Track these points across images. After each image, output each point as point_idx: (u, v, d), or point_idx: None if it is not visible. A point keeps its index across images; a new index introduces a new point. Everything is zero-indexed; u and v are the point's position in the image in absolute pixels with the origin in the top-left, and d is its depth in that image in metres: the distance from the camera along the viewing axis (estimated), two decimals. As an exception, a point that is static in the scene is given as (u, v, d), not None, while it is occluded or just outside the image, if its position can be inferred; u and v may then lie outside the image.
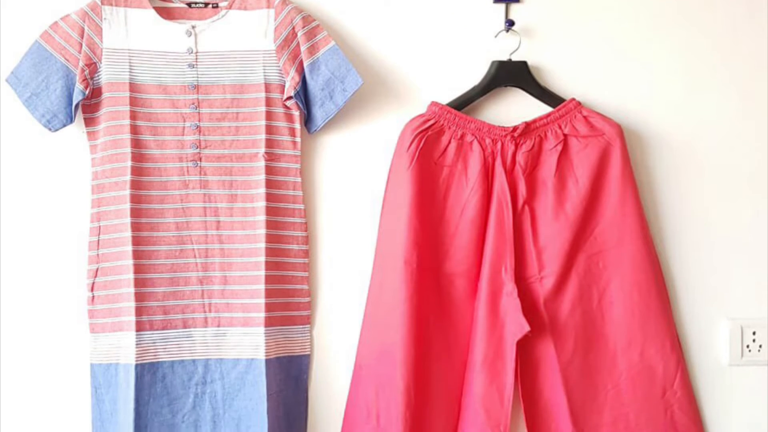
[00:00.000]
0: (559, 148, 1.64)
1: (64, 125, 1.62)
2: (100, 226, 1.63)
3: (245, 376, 1.63)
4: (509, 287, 1.61)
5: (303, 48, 1.62)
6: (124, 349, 1.62)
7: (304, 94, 1.63)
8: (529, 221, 1.64)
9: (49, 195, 1.67)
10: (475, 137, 1.64)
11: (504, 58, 1.66)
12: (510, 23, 1.66)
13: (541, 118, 1.65)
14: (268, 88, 1.64)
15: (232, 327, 1.64)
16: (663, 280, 1.67)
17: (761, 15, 1.70)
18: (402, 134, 1.64)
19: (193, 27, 1.64)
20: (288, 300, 1.66)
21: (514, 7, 1.68)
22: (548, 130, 1.65)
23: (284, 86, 1.63)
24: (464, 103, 1.66)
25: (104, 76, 1.62)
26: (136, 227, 1.61)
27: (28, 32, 1.61)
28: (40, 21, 1.61)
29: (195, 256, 1.63)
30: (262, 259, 1.62)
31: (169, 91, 1.63)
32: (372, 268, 1.66)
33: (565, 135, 1.64)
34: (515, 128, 1.64)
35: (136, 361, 1.60)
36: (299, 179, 1.66)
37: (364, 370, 1.65)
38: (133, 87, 1.62)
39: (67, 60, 1.61)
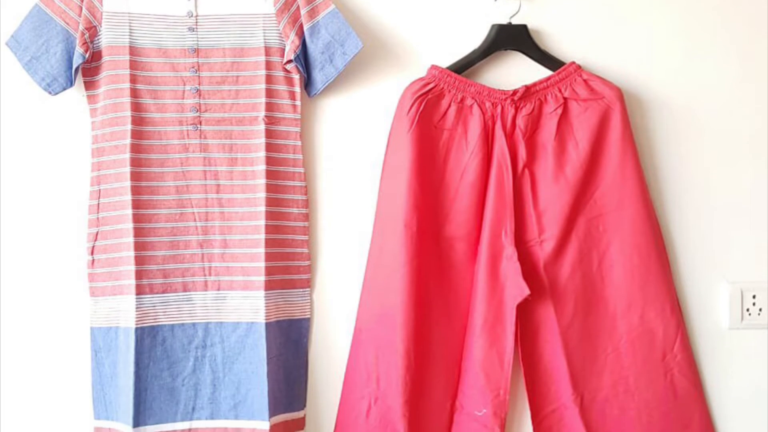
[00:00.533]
0: (559, 111, 1.64)
1: (64, 89, 1.62)
2: (100, 190, 1.63)
3: (245, 339, 1.63)
4: (509, 251, 1.61)
5: (303, 11, 1.62)
6: (124, 312, 1.62)
7: (304, 58, 1.63)
8: (529, 185, 1.64)
9: (49, 159, 1.67)
10: (475, 101, 1.64)
11: (504, 21, 1.66)
12: (510, -14, 1.66)
13: (541, 82, 1.64)
14: (268, 51, 1.64)
15: (232, 290, 1.63)
16: (663, 244, 1.67)
17: (762, -22, 1.70)
18: (402, 98, 1.64)
19: (193, -10, 1.64)
20: (288, 263, 1.66)
21: (514, -29, 1.68)
22: (548, 93, 1.65)
23: (284, 50, 1.63)
24: (464, 66, 1.65)
25: (104, 39, 1.62)
26: (136, 191, 1.61)
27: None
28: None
29: (195, 220, 1.63)
30: (262, 222, 1.62)
31: (169, 54, 1.63)
32: (372, 232, 1.66)
33: (565, 98, 1.64)
34: (515, 92, 1.63)
35: (136, 324, 1.60)
36: (299, 143, 1.65)
37: (364, 334, 1.65)
38: (133, 51, 1.62)
39: (67, 23, 1.60)
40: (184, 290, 1.63)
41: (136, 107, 1.61)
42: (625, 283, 1.64)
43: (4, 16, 1.65)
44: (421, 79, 1.64)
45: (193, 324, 1.64)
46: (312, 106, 1.68)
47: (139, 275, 1.60)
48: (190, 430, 1.63)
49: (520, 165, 1.64)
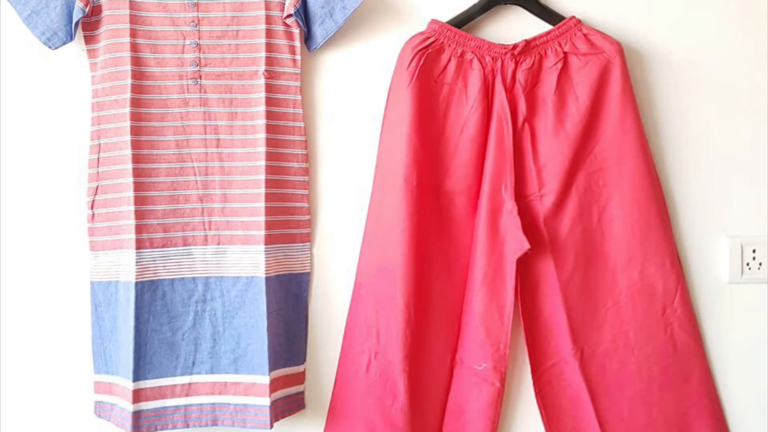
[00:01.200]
0: (559, 66, 1.63)
1: (64, 43, 1.61)
2: (100, 144, 1.63)
3: (245, 294, 1.63)
4: (509, 205, 1.61)
5: (303, -36, 1.63)
6: (124, 266, 1.62)
7: (304, 12, 1.63)
8: (529, 139, 1.64)
9: (49, 114, 1.67)
10: (475, 55, 1.64)
11: (504, -25, 1.66)
12: (510, -60, 1.66)
13: (540, 36, 1.64)
14: (267, 5, 1.63)
15: (232, 245, 1.63)
16: (663, 198, 1.67)
17: (762, -70, 1.70)
18: (402, 52, 1.63)
19: (193, -56, 1.64)
20: (288, 218, 1.66)
21: (515, -77, 1.68)
22: (548, 48, 1.64)
23: (284, 4, 1.63)
24: (464, 21, 1.65)
25: (104, -7, 1.62)
26: (135, 145, 1.60)
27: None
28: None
29: (195, 174, 1.63)
30: (262, 177, 1.62)
31: (169, 8, 1.63)
32: (372, 186, 1.66)
33: (565, 53, 1.64)
34: (515, 46, 1.63)
35: (136, 278, 1.59)
36: (299, 97, 1.65)
37: (364, 288, 1.65)
38: (133, 5, 1.62)
39: (67, -23, 1.61)
40: (184, 244, 1.63)
41: (136, 62, 1.61)
42: (625, 237, 1.64)
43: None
44: (421, 33, 1.64)
45: (193, 278, 1.64)
46: (312, 60, 1.68)
47: (139, 229, 1.60)
48: (189, 384, 1.63)
49: (520, 119, 1.64)
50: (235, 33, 1.64)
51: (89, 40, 1.64)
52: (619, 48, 1.63)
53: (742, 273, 1.68)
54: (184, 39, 1.63)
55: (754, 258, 1.68)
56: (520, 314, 1.64)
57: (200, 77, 1.63)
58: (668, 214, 1.67)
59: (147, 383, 1.60)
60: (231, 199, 1.63)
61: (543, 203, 1.64)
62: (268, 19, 1.64)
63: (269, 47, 1.64)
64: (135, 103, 1.61)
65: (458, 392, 1.66)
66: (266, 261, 1.61)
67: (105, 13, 1.62)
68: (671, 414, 1.66)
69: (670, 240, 1.66)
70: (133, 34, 1.61)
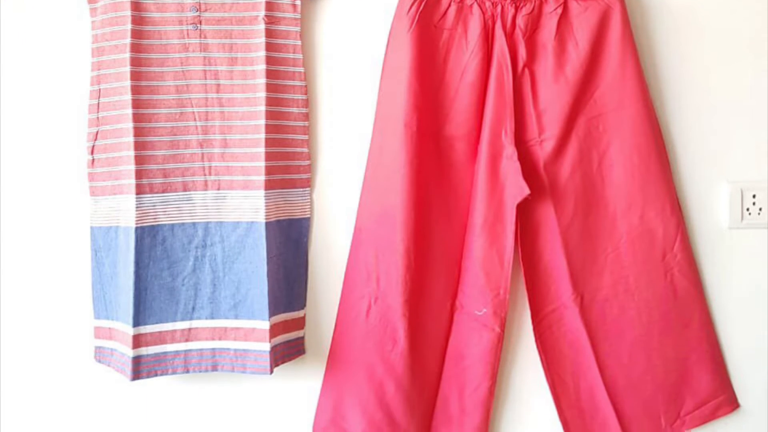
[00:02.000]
0: (559, 11, 1.63)
1: (64, -12, 1.62)
2: (100, 90, 1.63)
3: (245, 239, 1.63)
4: (509, 150, 1.61)
5: None
6: (123, 212, 1.62)
7: (304, -43, 1.63)
8: (529, 84, 1.64)
9: (49, 59, 1.66)
10: (475, 0, 1.63)
11: None
12: None
13: (540, -19, 1.64)
14: (268, -51, 1.64)
15: (232, 190, 1.63)
16: (663, 144, 1.66)
17: None
18: (402, -3, 1.63)
19: None
20: (288, 163, 1.66)
21: None
22: (548, -7, 1.65)
23: (284, -52, 1.63)
24: (464, -34, 1.65)
25: (104, -62, 1.62)
26: (135, 90, 1.60)
27: None
28: None
29: (195, 119, 1.63)
30: (262, 122, 1.61)
31: (168, -47, 1.63)
32: (372, 132, 1.65)
33: (564, -2, 1.64)
34: (515, -9, 1.63)
35: (136, 224, 1.59)
36: (299, 42, 1.65)
37: (364, 233, 1.65)
38: (133, -51, 1.62)
39: None
40: (184, 190, 1.63)
41: (136, 7, 1.61)
42: (625, 183, 1.64)
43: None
44: (421, -22, 1.64)
45: (193, 223, 1.63)
46: (312, 5, 1.67)
47: (139, 175, 1.60)
48: (189, 329, 1.62)
49: (520, 65, 1.63)
50: (235, -22, 1.64)
51: (89, -16, 1.64)
52: (619, -7, 1.63)
53: (742, 218, 1.68)
54: (184, -17, 1.63)
55: (754, 203, 1.68)
56: (520, 260, 1.64)
57: (200, 22, 1.63)
58: (668, 160, 1.67)
59: (147, 328, 1.60)
60: (231, 145, 1.63)
61: (543, 148, 1.64)
62: (269, -36, 1.64)
63: (269, -8, 1.64)
64: (135, 48, 1.60)
65: (458, 337, 1.66)
66: (266, 206, 1.61)
67: (105, -43, 1.62)
68: (671, 359, 1.66)
69: (670, 185, 1.66)
70: (133, -22, 1.62)
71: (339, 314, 1.67)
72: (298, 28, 1.65)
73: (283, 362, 1.65)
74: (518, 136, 1.62)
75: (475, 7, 1.63)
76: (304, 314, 1.69)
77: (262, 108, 1.62)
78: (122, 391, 1.69)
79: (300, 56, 1.65)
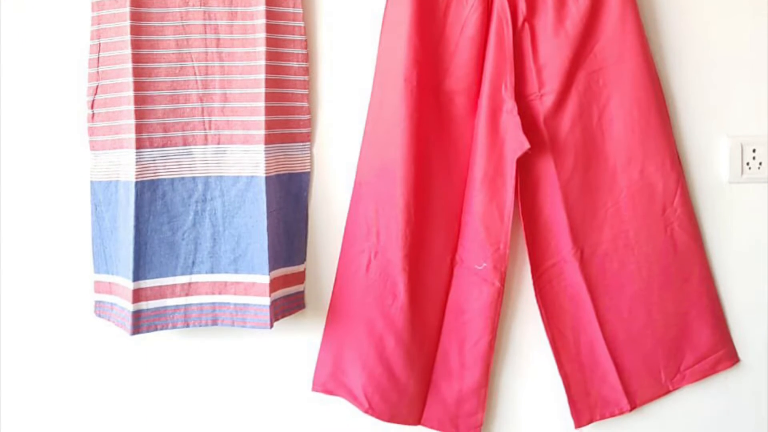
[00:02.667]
0: (559, -35, 1.63)
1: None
2: (100, 44, 1.63)
3: (245, 193, 1.63)
4: (509, 105, 1.61)
5: None
6: (124, 166, 1.61)
7: None
8: (528, 39, 1.63)
9: (49, 13, 1.66)
10: (475, -46, 1.64)
11: None
12: None
13: (540, -65, 1.64)
14: None
15: (232, 144, 1.63)
16: (663, 98, 1.66)
17: None
18: (402, -49, 1.63)
19: None
20: (288, 117, 1.66)
21: None
22: (548, -54, 1.64)
23: None
24: None
25: None
26: (135, 45, 1.60)
27: None
28: None
29: (195, 74, 1.63)
30: (262, 76, 1.61)
31: None
32: (372, 86, 1.65)
33: (564, -48, 1.64)
34: (515, -55, 1.63)
35: (136, 178, 1.59)
36: (299, -5, 1.65)
37: (364, 188, 1.65)
38: None
39: None
40: (184, 144, 1.63)
41: (136, -40, 1.61)
42: (625, 137, 1.64)
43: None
44: (422, -69, 1.63)
45: (193, 178, 1.63)
46: (312, -41, 1.68)
47: (139, 129, 1.60)
48: (189, 284, 1.62)
49: (520, 19, 1.63)
50: (235, -69, 1.64)
51: (89, -62, 1.64)
52: (619, -54, 1.63)
53: (742, 173, 1.68)
54: (184, -63, 1.63)
55: (754, 158, 1.68)
56: (520, 214, 1.64)
57: (200, -24, 1.63)
58: (668, 114, 1.66)
59: (147, 283, 1.60)
60: (231, 99, 1.63)
61: (543, 103, 1.63)
62: None
63: (268, -54, 1.64)
64: (135, 2, 1.60)
65: (458, 292, 1.66)
66: (266, 160, 1.61)
67: None
68: (671, 314, 1.66)
69: (670, 140, 1.65)
70: (132, -68, 1.61)
71: (339, 269, 1.67)
72: (298, -18, 1.65)
73: (283, 316, 1.65)
74: (518, 90, 1.62)
75: (476, -40, 1.63)
76: (304, 268, 1.69)
77: (262, 62, 1.61)
78: (122, 345, 1.69)
79: (300, 10, 1.65)
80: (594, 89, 1.64)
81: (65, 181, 1.67)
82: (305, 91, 1.66)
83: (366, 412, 1.64)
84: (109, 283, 1.65)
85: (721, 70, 1.68)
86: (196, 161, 1.63)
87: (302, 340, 1.68)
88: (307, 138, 1.67)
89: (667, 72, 1.68)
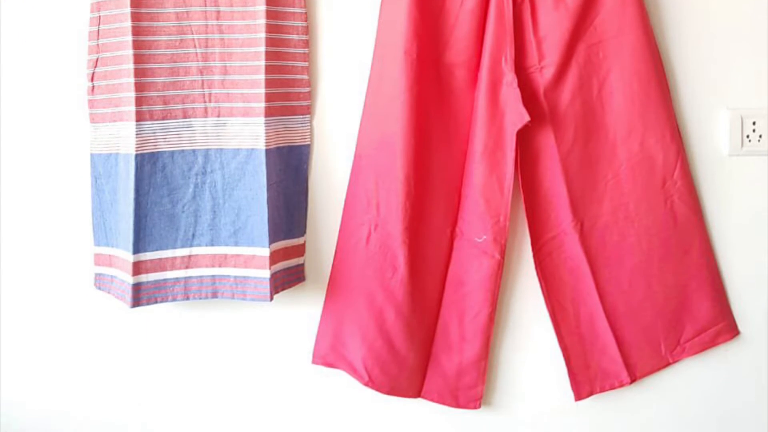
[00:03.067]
0: (560, -64, 1.63)
1: None
2: (100, 16, 1.62)
3: (245, 166, 1.62)
4: (509, 77, 1.61)
5: None
6: (124, 139, 1.61)
7: None
8: (528, 11, 1.63)
9: (48, -13, 1.67)
10: (475, -75, 1.63)
11: None
12: None
13: None
14: None
15: (232, 117, 1.63)
16: (663, 70, 1.66)
17: None
18: None
19: None
20: (288, 90, 1.65)
21: None
22: None
23: None
24: None
25: None
26: (135, 17, 1.59)
27: None
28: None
29: (195, 46, 1.63)
30: (262, 49, 1.61)
31: None
32: (372, 59, 1.65)
33: (564, -77, 1.64)
34: None
35: (136, 151, 1.59)
36: (299, -32, 1.65)
37: (364, 160, 1.64)
38: None
39: None
40: (184, 117, 1.63)
41: (136, -67, 1.61)
42: (625, 109, 1.64)
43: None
44: None
45: (193, 150, 1.63)
46: (312, -69, 1.68)
47: (139, 102, 1.60)
48: (189, 256, 1.63)
49: (520, -9, 1.64)
50: None
51: None
52: None
53: (742, 145, 1.68)
54: None
55: (754, 130, 1.67)
56: (520, 186, 1.64)
57: (200, -52, 1.63)
58: (668, 87, 1.66)
59: (147, 255, 1.60)
60: (231, 71, 1.63)
61: (543, 75, 1.63)
62: None
63: None
64: (135, -26, 1.61)
65: (458, 264, 1.66)
66: (266, 133, 1.61)
67: None
68: (671, 286, 1.66)
69: (670, 112, 1.65)
70: None
71: (339, 241, 1.67)
72: (298, -45, 1.65)
73: (283, 289, 1.65)
74: (518, 62, 1.62)
75: (475, -68, 1.63)
76: (304, 241, 1.69)
77: (262, 35, 1.61)
78: (122, 318, 1.69)
79: (300, -18, 1.65)
80: (594, 62, 1.64)
81: (65, 154, 1.67)
82: (305, 64, 1.66)
83: (366, 384, 1.64)
84: (109, 255, 1.65)
85: (721, 43, 1.67)
86: (196, 134, 1.63)
87: (302, 313, 1.68)
88: (307, 111, 1.67)
89: (667, 45, 1.67)
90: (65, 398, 1.70)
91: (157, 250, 1.61)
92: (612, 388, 1.68)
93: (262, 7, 1.61)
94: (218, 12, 1.63)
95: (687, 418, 1.71)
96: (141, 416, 1.72)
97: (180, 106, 1.62)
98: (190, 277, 1.63)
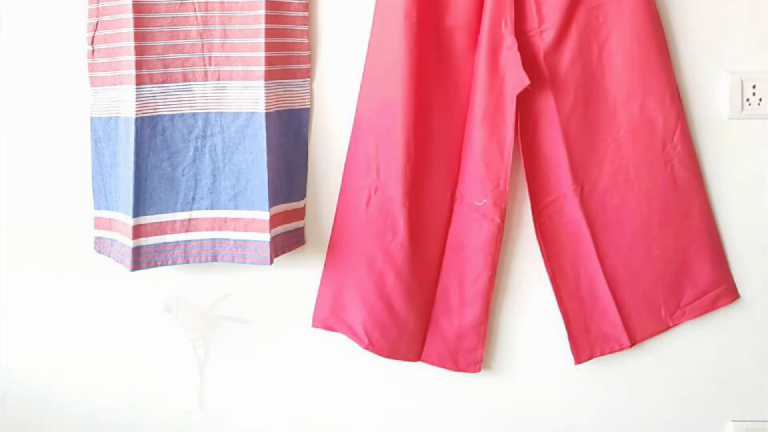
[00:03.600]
0: None
1: None
2: (100, -20, 1.63)
3: (245, 129, 1.62)
4: (509, 41, 1.60)
5: None
6: (124, 102, 1.61)
7: None
8: (528, -26, 1.64)
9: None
10: None
11: None
12: None
13: None
14: None
15: (232, 81, 1.63)
16: (663, 34, 1.65)
17: None
18: None
19: None
20: (288, 53, 1.65)
21: None
22: None
23: None
24: None
25: None
26: (136, -20, 1.61)
27: None
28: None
29: (195, 10, 1.62)
30: (262, 12, 1.61)
31: None
32: (372, 23, 1.64)
33: None
34: None
35: (136, 114, 1.59)
36: (299, -68, 1.65)
37: (364, 124, 1.64)
38: None
39: None
40: (184, 80, 1.62)
41: None
42: (625, 73, 1.63)
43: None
44: None
45: (193, 114, 1.63)
46: None
47: (138, 65, 1.59)
48: (189, 220, 1.63)
49: (520, -46, 1.63)
50: None
51: None
52: None
53: (742, 109, 1.67)
54: None
55: (754, 94, 1.67)
56: (520, 150, 1.64)
57: None
58: (668, 50, 1.65)
59: (147, 219, 1.60)
60: (231, 35, 1.63)
61: (543, 39, 1.63)
62: None
63: None
64: (135, -63, 1.60)
65: (458, 228, 1.66)
66: (266, 96, 1.61)
67: None
68: (671, 249, 1.66)
69: (670, 76, 1.65)
70: None
71: (339, 205, 1.67)
72: None
73: (283, 253, 1.65)
74: (518, 26, 1.61)
75: None
76: (304, 205, 1.69)
77: (262, -2, 1.62)
78: (122, 281, 1.69)
79: (300, -54, 1.65)
80: (594, 25, 1.64)
81: (65, 118, 1.67)
82: (305, 27, 1.66)
83: (366, 348, 1.64)
84: (109, 219, 1.65)
85: (721, 5, 1.66)
86: (196, 97, 1.63)
87: (302, 277, 1.68)
88: (307, 74, 1.67)
89: (666, 6, 1.67)
90: (66, 361, 1.71)
91: (156, 213, 1.61)
92: (612, 351, 1.68)
93: (262, -29, 1.62)
94: (218, -25, 1.63)
95: (687, 382, 1.71)
96: (143, 379, 1.72)
97: (180, 70, 1.62)
98: (190, 241, 1.63)
